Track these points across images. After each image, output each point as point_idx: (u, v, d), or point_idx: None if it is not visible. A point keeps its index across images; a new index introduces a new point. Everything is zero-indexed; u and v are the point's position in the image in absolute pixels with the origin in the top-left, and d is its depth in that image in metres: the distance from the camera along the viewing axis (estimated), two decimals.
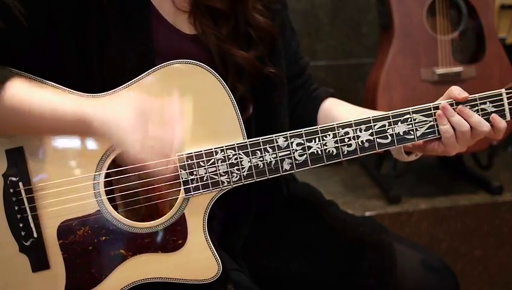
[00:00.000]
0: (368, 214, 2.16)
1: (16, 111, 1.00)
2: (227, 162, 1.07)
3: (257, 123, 1.18)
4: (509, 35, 2.44)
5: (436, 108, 1.10)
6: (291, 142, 1.08)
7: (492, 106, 1.10)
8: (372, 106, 2.15)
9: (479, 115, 1.10)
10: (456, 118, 1.09)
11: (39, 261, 1.06)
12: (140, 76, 1.06)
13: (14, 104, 0.99)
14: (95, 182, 1.06)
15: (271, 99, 1.23)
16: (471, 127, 1.09)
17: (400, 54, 2.14)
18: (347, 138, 1.09)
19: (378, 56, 2.27)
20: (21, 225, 1.05)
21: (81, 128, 1.00)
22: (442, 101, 1.10)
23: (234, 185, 1.08)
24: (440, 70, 2.14)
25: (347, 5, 2.67)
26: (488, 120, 1.10)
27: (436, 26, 2.18)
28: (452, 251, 2.24)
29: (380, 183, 2.38)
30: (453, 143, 1.10)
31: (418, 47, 2.15)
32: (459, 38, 2.19)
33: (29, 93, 1.01)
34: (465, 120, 1.09)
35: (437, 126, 1.10)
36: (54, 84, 1.05)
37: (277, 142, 1.08)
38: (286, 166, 1.09)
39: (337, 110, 1.30)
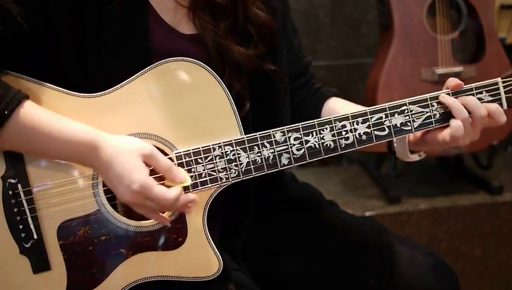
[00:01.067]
0: (368, 214, 2.16)
1: (28, 132, 0.99)
2: (225, 159, 1.07)
3: (259, 122, 1.18)
4: (509, 35, 2.44)
5: (433, 99, 1.10)
6: (289, 137, 1.08)
7: (489, 95, 1.11)
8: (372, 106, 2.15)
9: None
10: (457, 106, 1.08)
11: (40, 263, 1.06)
12: (136, 75, 1.06)
13: (26, 125, 0.99)
14: (94, 182, 1.06)
15: (273, 99, 1.23)
16: (470, 113, 1.09)
17: (400, 54, 2.14)
18: (344, 131, 1.09)
19: (378, 56, 2.27)
20: (21, 227, 1.05)
21: (86, 152, 1.00)
22: (438, 92, 1.10)
23: (233, 181, 1.08)
24: (440, 70, 2.14)
25: (347, 5, 2.67)
26: None
27: (436, 26, 2.18)
28: (452, 251, 2.24)
29: (380, 183, 2.38)
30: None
31: (418, 47, 2.15)
32: (459, 38, 2.19)
33: (42, 116, 1.00)
34: (465, 107, 1.08)
35: (434, 116, 1.10)
36: (52, 86, 1.05)
37: (274, 137, 1.08)
38: (284, 161, 1.09)
39: (341, 109, 1.30)
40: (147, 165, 1.01)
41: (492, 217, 2.25)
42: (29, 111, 0.99)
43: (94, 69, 1.07)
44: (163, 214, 1.06)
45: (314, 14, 2.64)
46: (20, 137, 1.00)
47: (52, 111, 1.03)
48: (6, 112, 0.97)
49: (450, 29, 2.20)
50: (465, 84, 1.11)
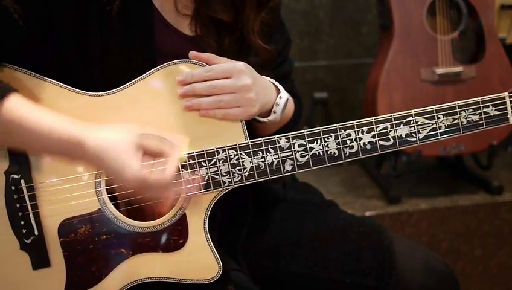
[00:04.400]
0: (368, 214, 2.15)
1: (12, 126, 0.98)
2: (229, 163, 1.07)
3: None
4: (509, 35, 2.44)
5: (439, 111, 1.10)
6: (293, 143, 1.08)
7: (495, 109, 1.11)
8: (372, 106, 2.15)
9: (481, 117, 1.10)
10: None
11: (40, 259, 1.06)
12: (142, 75, 1.06)
13: (11, 119, 0.98)
14: (97, 180, 1.06)
15: None
16: None
17: (400, 54, 2.14)
18: (349, 139, 1.09)
19: (378, 56, 2.27)
20: (22, 223, 1.05)
21: (72, 148, 0.99)
22: (445, 104, 1.10)
23: (236, 186, 1.08)
24: (440, 71, 2.14)
25: (347, 5, 2.67)
26: (490, 123, 1.11)
27: (436, 26, 2.18)
28: (452, 251, 2.24)
29: (380, 183, 2.38)
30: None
31: (418, 47, 2.15)
32: (459, 38, 2.20)
33: (28, 111, 1.00)
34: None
35: (439, 128, 1.10)
36: (55, 81, 1.05)
37: (279, 143, 1.08)
38: (288, 167, 1.09)
39: None
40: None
41: (492, 217, 2.24)
42: (14, 105, 0.98)
43: (97, 69, 1.07)
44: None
45: (314, 14, 2.64)
46: (4, 130, 0.99)
47: (54, 108, 1.03)
48: None
49: (450, 29, 2.20)
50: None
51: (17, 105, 0.99)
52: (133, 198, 1.07)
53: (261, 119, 1.16)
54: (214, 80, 1.06)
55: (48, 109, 1.02)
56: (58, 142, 0.99)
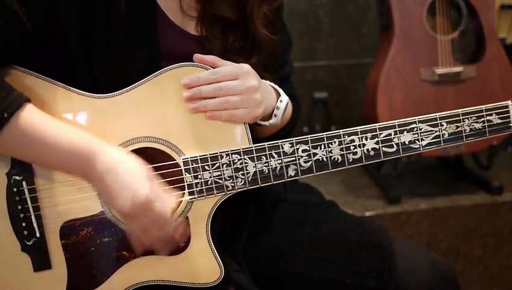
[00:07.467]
0: (368, 214, 2.15)
1: (27, 137, 0.98)
2: (232, 167, 1.07)
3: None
4: (509, 35, 2.44)
5: (442, 118, 1.10)
6: (297, 149, 1.08)
7: (498, 118, 1.11)
8: (372, 106, 2.15)
9: (484, 126, 1.11)
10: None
11: (41, 261, 1.07)
12: (147, 78, 1.06)
13: (26, 130, 0.98)
14: None
15: None
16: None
17: (400, 54, 2.14)
18: (353, 145, 1.09)
19: (378, 56, 2.27)
20: (24, 224, 1.05)
21: (83, 158, 0.99)
22: (449, 112, 1.10)
23: (239, 190, 1.09)
24: (440, 70, 2.14)
25: (347, 5, 2.67)
26: (493, 131, 1.11)
27: (436, 26, 2.18)
28: (452, 251, 2.24)
29: (380, 183, 2.38)
30: None
31: (418, 47, 2.15)
32: (459, 38, 2.20)
33: (43, 121, 1.00)
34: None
35: (443, 136, 1.11)
36: (62, 84, 1.05)
37: (283, 148, 1.08)
38: (291, 172, 1.09)
39: None
40: None
41: (492, 217, 2.24)
42: (29, 115, 0.99)
43: (101, 70, 1.07)
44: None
45: (314, 14, 2.64)
46: (19, 141, 0.99)
47: (61, 110, 1.03)
48: (5, 115, 0.96)
49: (450, 29, 2.20)
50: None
51: (31, 115, 0.99)
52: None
53: (262, 123, 1.16)
54: (220, 82, 1.06)
55: (55, 111, 1.03)
56: (71, 154, 0.99)
